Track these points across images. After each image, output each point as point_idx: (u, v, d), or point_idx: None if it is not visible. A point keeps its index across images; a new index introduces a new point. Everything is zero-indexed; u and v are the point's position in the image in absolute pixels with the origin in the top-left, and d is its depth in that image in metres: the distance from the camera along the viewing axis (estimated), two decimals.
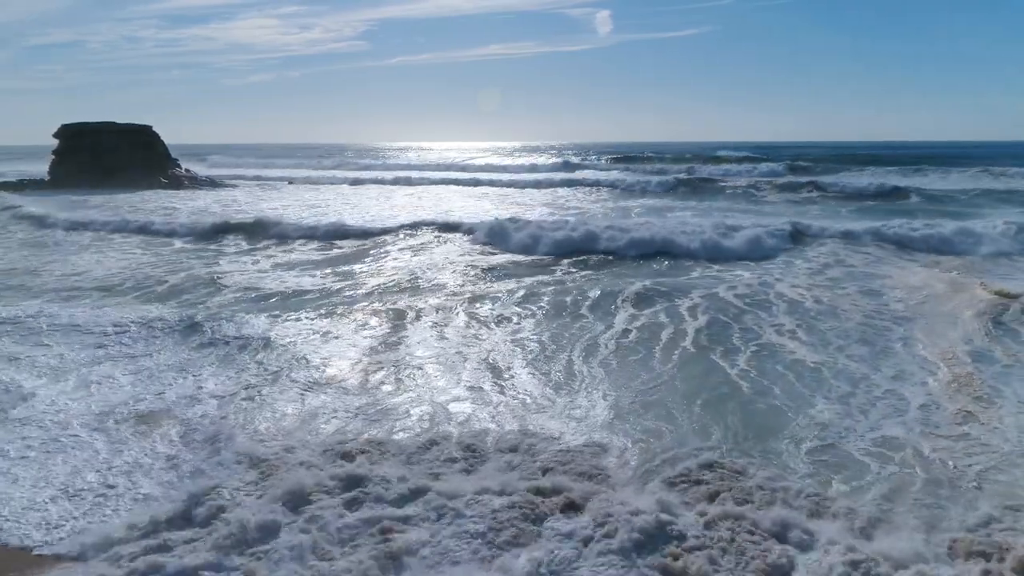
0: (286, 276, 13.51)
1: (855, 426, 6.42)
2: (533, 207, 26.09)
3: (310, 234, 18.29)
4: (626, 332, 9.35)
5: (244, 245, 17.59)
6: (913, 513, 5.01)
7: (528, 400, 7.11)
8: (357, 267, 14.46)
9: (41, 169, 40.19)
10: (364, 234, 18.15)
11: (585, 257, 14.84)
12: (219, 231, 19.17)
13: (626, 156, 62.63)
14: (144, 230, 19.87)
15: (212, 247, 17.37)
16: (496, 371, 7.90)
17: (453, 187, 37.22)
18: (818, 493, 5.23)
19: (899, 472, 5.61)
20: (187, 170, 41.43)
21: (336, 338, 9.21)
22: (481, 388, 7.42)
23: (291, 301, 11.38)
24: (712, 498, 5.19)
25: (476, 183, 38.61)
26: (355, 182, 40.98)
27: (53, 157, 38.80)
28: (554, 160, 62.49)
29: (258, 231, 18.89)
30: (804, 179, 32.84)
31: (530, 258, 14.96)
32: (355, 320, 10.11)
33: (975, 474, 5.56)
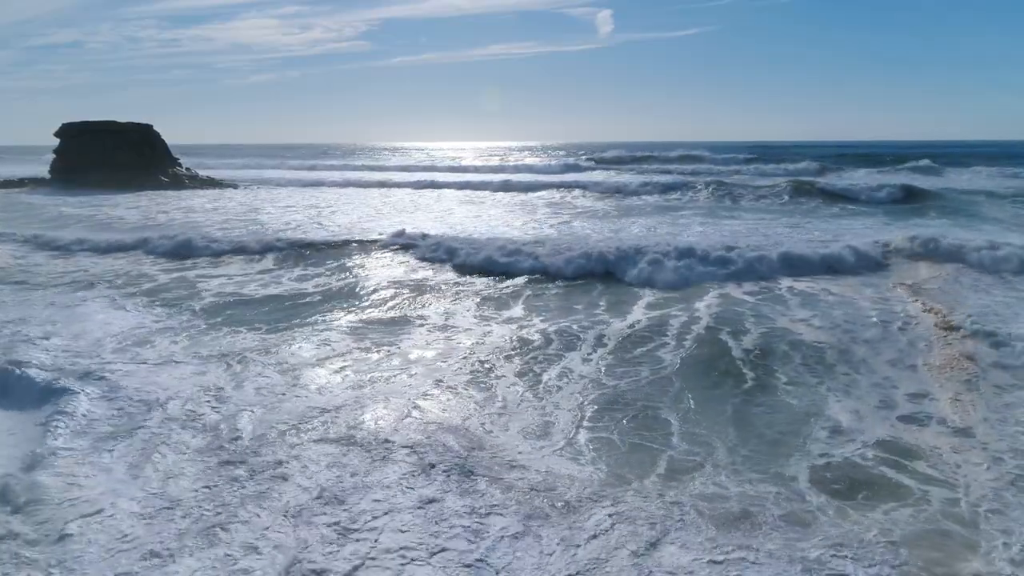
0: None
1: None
2: (500, 213, 23.84)
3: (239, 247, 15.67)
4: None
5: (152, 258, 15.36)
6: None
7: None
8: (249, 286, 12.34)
9: (42, 169, 40.11)
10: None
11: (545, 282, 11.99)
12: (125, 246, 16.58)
13: (627, 157, 59.51)
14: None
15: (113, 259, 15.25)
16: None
17: (426, 190, 35.02)
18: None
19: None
20: (188, 169, 41.19)
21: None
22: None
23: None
24: None
25: (460, 186, 36.35)
26: (346, 183, 39.87)
27: (54, 156, 38.74)
28: (548, 160, 59.66)
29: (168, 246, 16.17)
30: (817, 181, 30.95)
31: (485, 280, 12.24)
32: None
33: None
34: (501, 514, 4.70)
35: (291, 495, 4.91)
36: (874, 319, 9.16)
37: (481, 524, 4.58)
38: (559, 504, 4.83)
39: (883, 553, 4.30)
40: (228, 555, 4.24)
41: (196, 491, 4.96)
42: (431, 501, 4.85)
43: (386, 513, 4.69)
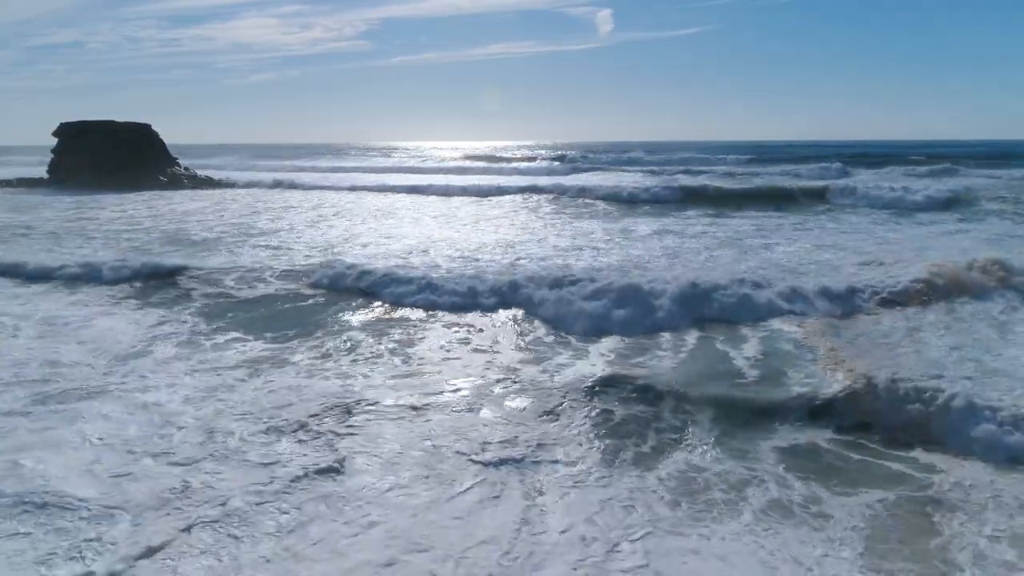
0: None
1: None
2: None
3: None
4: None
5: None
6: None
7: None
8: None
9: (41, 169, 39.88)
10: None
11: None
12: None
13: (624, 157, 57.04)
14: None
15: None
16: None
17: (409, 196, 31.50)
18: None
19: None
20: (187, 169, 40.79)
21: None
22: None
23: None
24: None
25: (423, 190, 32.66)
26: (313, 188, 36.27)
27: (52, 156, 38.45)
28: (534, 162, 56.68)
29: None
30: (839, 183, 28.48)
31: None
32: None
33: None
34: None
35: None
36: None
37: None
38: None
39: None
40: None
41: None
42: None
43: None
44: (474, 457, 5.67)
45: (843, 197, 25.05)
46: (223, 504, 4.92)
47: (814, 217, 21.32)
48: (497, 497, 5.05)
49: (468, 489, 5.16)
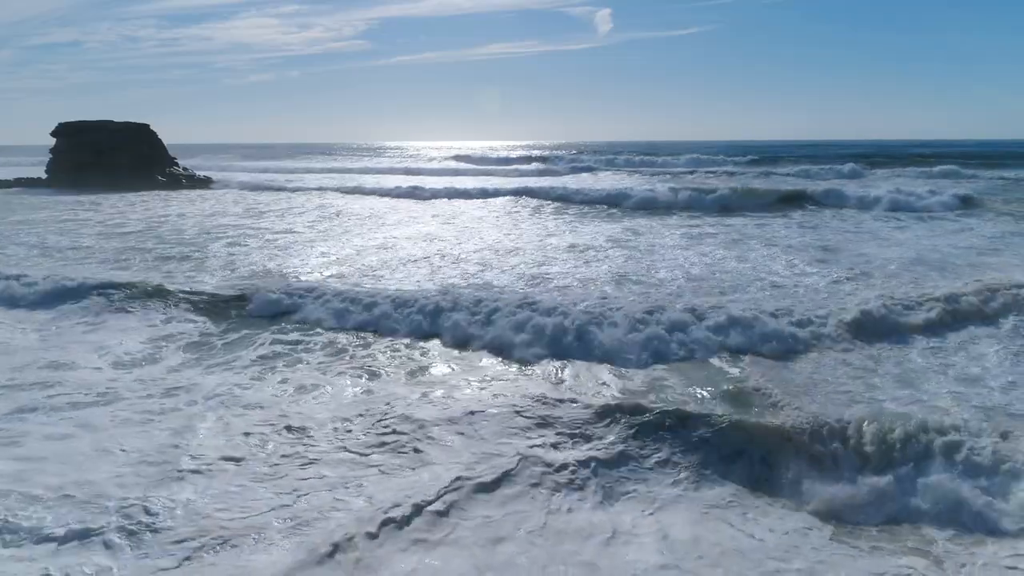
0: None
1: None
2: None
3: None
4: None
5: None
6: None
7: None
8: None
9: (39, 169, 39.80)
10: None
11: None
12: None
13: (624, 158, 55.91)
14: None
15: None
16: None
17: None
18: None
19: None
20: (185, 169, 40.71)
21: None
22: None
23: None
24: None
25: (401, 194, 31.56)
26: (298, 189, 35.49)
27: (51, 156, 38.36)
28: (524, 164, 55.20)
29: None
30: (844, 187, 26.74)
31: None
32: None
33: None
34: None
35: None
36: None
37: None
38: None
39: None
40: None
41: None
42: None
43: None
44: (508, 443, 6.03)
45: (846, 198, 24.53)
46: (283, 504, 5.24)
47: (817, 216, 21.25)
48: (527, 484, 5.46)
49: (511, 475, 5.56)
